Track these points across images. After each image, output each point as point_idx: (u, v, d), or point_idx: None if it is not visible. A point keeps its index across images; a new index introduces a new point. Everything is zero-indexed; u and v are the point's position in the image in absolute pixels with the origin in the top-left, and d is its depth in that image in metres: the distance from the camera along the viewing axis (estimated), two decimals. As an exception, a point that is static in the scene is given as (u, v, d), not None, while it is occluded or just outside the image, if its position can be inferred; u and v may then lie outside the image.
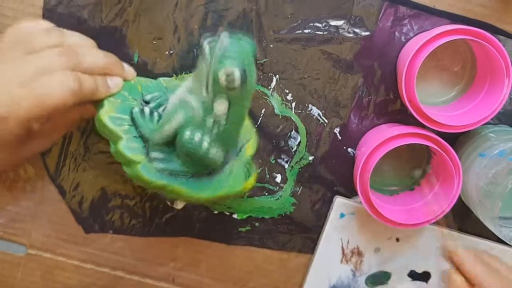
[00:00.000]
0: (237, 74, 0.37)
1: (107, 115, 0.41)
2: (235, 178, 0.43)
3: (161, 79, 0.47)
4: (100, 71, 0.41)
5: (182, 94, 0.41)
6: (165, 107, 0.43)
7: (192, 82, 0.40)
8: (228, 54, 0.37)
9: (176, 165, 0.41)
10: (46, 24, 0.42)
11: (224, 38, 0.38)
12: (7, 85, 0.37)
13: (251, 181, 0.44)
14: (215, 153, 0.40)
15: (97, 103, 0.42)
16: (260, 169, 0.50)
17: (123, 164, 0.41)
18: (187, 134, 0.40)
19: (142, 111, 0.42)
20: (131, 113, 0.42)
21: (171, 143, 0.41)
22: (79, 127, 0.50)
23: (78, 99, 0.39)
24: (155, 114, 0.43)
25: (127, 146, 0.40)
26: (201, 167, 0.42)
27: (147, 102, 0.44)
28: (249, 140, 0.46)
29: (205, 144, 0.40)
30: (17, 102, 0.37)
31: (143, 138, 0.42)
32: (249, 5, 0.48)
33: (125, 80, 0.44)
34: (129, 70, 0.45)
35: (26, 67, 0.38)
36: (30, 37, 0.40)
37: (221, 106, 0.39)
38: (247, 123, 0.47)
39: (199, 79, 0.39)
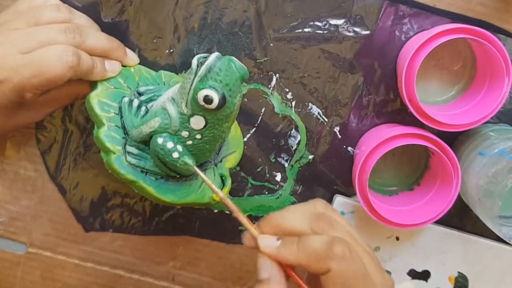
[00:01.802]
0: (215, 97, 0.36)
1: (97, 99, 0.41)
2: (206, 188, 0.43)
3: (162, 72, 0.47)
4: (100, 53, 0.42)
5: (164, 99, 0.40)
6: (152, 105, 0.43)
7: (176, 92, 0.40)
8: (212, 75, 0.37)
9: (149, 164, 0.41)
10: (57, 1, 0.43)
11: (212, 58, 0.37)
12: (9, 51, 0.38)
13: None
14: (186, 163, 0.40)
15: (92, 84, 0.42)
16: (260, 167, 0.50)
17: (101, 150, 0.41)
18: (159, 140, 0.39)
19: (130, 102, 0.42)
20: (120, 101, 0.42)
21: (147, 142, 0.41)
22: (78, 124, 0.50)
23: (75, 75, 0.40)
24: (143, 108, 0.43)
25: (107, 134, 0.41)
26: (171, 171, 0.41)
27: (140, 94, 0.44)
28: (233, 153, 0.46)
29: (176, 154, 0.39)
30: (16, 69, 0.38)
31: (124, 129, 0.42)
32: (249, 4, 0.48)
33: (124, 66, 0.44)
34: (132, 57, 0.45)
35: (30, 37, 0.39)
36: (39, 10, 0.41)
37: (196, 123, 0.39)
38: (237, 134, 0.47)
39: (182, 91, 0.38)
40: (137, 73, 0.45)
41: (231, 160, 0.46)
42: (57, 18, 0.41)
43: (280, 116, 0.49)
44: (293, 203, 0.51)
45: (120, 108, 0.42)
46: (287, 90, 0.49)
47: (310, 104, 0.49)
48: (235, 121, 0.46)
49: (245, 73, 0.38)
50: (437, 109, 0.47)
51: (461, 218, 0.50)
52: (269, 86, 0.49)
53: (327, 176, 0.50)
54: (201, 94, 0.37)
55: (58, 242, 0.52)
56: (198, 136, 0.40)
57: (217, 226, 0.51)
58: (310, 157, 0.50)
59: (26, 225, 0.51)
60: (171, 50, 0.49)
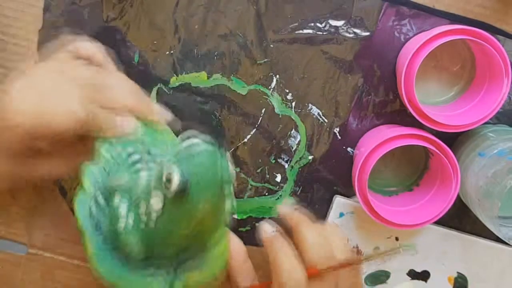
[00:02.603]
0: (175, 180, 0.32)
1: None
2: None
3: (175, 139, 0.41)
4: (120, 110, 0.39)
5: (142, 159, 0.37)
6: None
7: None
8: (189, 157, 0.33)
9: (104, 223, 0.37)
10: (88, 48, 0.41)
11: (201, 143, 0.34)
12: (29, 97, 0.36)
13: None
14: (132, 240, 0.35)
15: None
16: (260, 168, 0.50)
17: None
18: (116, 197, 0.35)
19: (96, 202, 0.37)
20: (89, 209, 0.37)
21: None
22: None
23: (83, 131, 0.37)
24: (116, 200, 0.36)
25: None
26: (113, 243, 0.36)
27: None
28: (201, 270, 0.37)
29: (123, 222, 0.35)
30: (29, 116, 0.36)
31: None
32: (249, 5, 0.48)
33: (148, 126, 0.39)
34: (162, 114, 0.41)
35: (52, 84, 0.37)
36: (69, 64, 0.40)
37: (154, 201, 0.34)
38: (221, 259, 0.39)
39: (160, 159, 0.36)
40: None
41: (194, 276, 0.37)
42: (86, 77, 0.39)
43: (280, 116, 0.49)
44: (293, 204, 0.51)
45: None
46: (287, 91, 0.49)
47: (310, 105, 0.49)
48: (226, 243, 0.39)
49: (226, 178, 0.34)
50: (436, 110, 0.47)
51: (461, 218, 0.50)
52: (269, 87, 0.49)
53: (327, 177, 0.50)
54: (167, 169, 0.33)
55: (58, 243, 0.52)
56: (153, 218, 0.34)
57: (217, 226, 0.51)
58: (310, 157, 0.50)
59: (27, 226, 0.51)
60: (172, 51, 0.49)
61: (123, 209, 0.35)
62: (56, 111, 0.36)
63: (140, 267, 0.36)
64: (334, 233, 0.39)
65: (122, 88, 0.40)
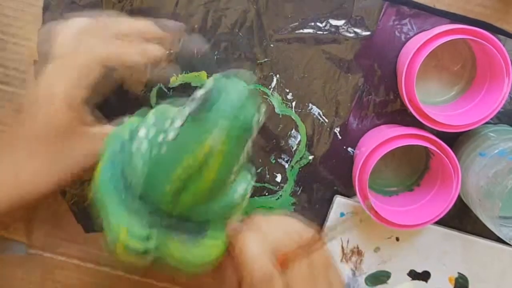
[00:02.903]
0: (205, 86, 0.34)
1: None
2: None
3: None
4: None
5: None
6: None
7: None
8: (220, 77, 0.35)
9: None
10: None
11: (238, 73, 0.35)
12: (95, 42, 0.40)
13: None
14: (139, 164, 0.35)
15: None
16: (260, 168, 0.50)
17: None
18: (142, 129, 0.36)
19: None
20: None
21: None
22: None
23: (147, 59, 0.42)
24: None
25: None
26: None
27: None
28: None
29: (138, 144, 0.35)
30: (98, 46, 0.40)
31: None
32: (249, 5, 0.48)
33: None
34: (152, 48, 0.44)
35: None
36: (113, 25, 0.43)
37: (178, 119, 0.34)
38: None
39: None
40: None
41: (173, 247, 0.36)
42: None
43: (280, 116, 0.49)
44: (293, 204, 0.51)
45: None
46: (288, 90, 0.49)
47: (310, 104, 0.49)
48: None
49: (248, 122, 0.34)
50: (437, 110, 0.47)
51: (461, 218, 0.50)
52: (270, 86, 0.49)
53: (327, 177, 0.50)
54: (208, 82, 0.35)
55: (58, 243, 0.52)
56: (168, 140, 0.34)
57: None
58: (310, 157, 0.50)
59: (26, 225, 0.51)
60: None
61: (142, 132, 0.35)
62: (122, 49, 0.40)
63: (133, 206, 0.35)
64: (289, 220, 0.39)
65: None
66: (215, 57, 0.49)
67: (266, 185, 0.51)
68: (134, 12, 0.48)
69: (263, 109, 0.36)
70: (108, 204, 0.36)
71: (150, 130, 0.36)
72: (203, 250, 0.37)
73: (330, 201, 0.50)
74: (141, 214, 0.35)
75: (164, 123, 0.35)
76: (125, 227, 0.34)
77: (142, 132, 0.36)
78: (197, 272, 0.37)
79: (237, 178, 0.37)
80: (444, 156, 0.44)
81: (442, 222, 0.49)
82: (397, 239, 0.50)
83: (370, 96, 0.49)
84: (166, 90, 0.49)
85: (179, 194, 0.35)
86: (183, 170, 0.34)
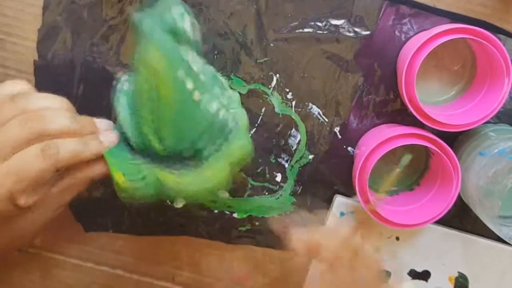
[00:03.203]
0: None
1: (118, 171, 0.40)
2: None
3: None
4: (68, 136, 0.38)
5: None
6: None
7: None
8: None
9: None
10: (11, 87, 0.39)
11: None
12: None
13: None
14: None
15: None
16: (260, 168, 0.50)
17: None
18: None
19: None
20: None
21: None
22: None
23: (62, 164, 0.37)
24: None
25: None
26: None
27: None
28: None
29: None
30: None
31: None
32: (249, 4, 0.48)
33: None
34: (107, 138, 0.40)
35: None
36: None
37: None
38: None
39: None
40: None
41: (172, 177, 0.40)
42: (13, 112, 0.37)
43: (280, 116, 0.49)
44: (293, 203, 0.51)
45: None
46: (287, 90, 0.49)
47: (310, 104, 0.49)
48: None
49: (174, 23, 0.38)
50: (437, 109, 0.47)
51: (461, 218, 0.50)
52: (270, 86, 0.49)
53: (327, 176, 0.50)
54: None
55: (57, 242, 0.52)
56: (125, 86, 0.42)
57: (217, 226, 0.51)
58: (310, 157, 0.50)
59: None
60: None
61: (119, 86, 0.42)
62: (25, 162, 0.36)
63: (129, 154, 0.41)
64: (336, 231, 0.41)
65: (62, 114, 0.38)
66: (215, 57, 0.49)
67: (266, 184, 0.51)
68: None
69: (189, 16, 0.39)
70: (108, 156, 0.40)
71: (123, 84, 0.41)
72: (200, 178, 0.40)
73: (330, 201, 0.50)
74: (136, 160, 0.40)
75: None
76: (121, 172, 0.39)
77: (119, 86, 0.41)
78: (203, 199, 0.42)
79: (203, 97, 0.39)
80: (444, 156, 0.44)
81: (442, 221, 0.49)
82: (397, 238, 0.50)
83: (370, 96, 0.49)
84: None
85: (158, 131, 0.39)
86: (145, 102, 0.39)
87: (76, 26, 0.49)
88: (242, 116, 0.43)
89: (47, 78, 0.49)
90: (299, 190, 0.51)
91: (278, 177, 0.50)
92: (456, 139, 0.48)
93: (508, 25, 0.48)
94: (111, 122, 0.42)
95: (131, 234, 0.52)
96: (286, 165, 0.50)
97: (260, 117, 0.49)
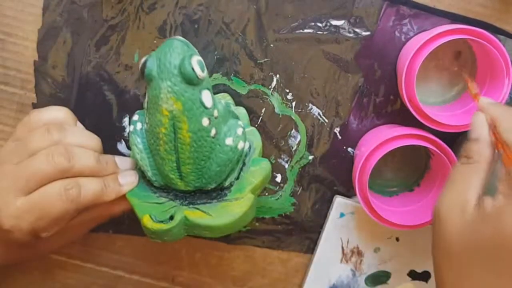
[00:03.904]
0: (142, 60, 0.38)
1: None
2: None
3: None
4: (90, 175, 0.39)
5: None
6: None
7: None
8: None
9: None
10: (55, 113, 0.41)
11: (171, 40, 0.38)
12: (8, 197, 0.37)
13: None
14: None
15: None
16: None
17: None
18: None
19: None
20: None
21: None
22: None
23: (83, 205, 0.38)
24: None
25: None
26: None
27: None
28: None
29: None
30: (19, 216, 0.37)
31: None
32: (249, 5, 0.48)
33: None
34: (128, 181, 0.42)
35: (22, 176, 0.37)
36: (29, 137, 0.39)
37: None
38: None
39: None
40: None
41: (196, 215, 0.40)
42: (45, 142, 0.38)
43: (280, 116, 0.49)
44: (293, 204, 0.51)
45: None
46: (288, 90, 0.49)
47: (310, 104, 0.49)
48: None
49: (182, 66, 0.37)
50: (437, 110, 0.47)
51: (461, 218, 0.50)
52: (270, 86, 0.49)
53: (327, 177, 0.50)
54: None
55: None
56: (139, 126, 0.41)
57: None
58: (310, 157, 0.50)
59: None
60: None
61: (131, 128, 0.42)
62: (48, 200, 0.37)
63: (154, 195, 0.42)
64: None
65: (88, 154, 0.40)
66: (215, 57, 0.49)
67: (266, 185, 0.50)
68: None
69: (197, 56, 0.38)
70: (131, 198, 0.41)
71: (136, 124, 0.41)
72: (225, 212, 0.40)
73: (330, 201, 0.50)
74: (160, 198, 0.41)
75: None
76: (148, 215, 0.39)
77: (132, 127, 0.41)
78: (231, 231, 0.40)
79: (219, 132, 0.40)
80: (444, 156, 0.44)
81: (442, 222, 0.49)
82: (397, 239, 0.50)
83: (370, 96, 0.49)
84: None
85: (178, 168, 0.40)
86: (163, 144, 0.39)
87: (76, 26, 0.49)
88: (255, 135, 0.44)
89: (47, 78, 0.49)
90: (299, 190, 0.51)
91: (278, 178, 0.50)
92: (456, 140, 0.48)
93: (508, 25, 0.48)
94: (131, 160, 0.43)
95: (131, 234, 0.52)
96: (286, 166, 0.50)
97: (260, 118, 0.49)
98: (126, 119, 0.50)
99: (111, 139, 0.50)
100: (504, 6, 0.47)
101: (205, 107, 0.38)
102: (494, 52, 0.42)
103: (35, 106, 0.50)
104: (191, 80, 0.37)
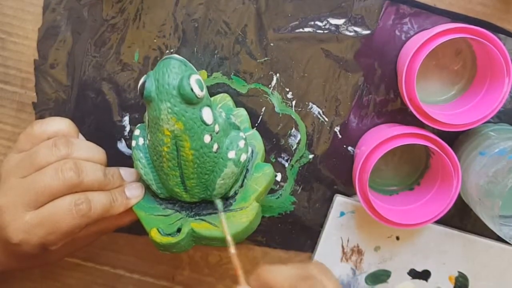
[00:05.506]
0: (141, 81, 0.38)
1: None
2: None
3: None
4: (98, 189, 0.40)
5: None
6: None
7: None
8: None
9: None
10: (57, 125, 0.41)
11: (168, 58, 0.38)
12: (17, 212, 0.37)
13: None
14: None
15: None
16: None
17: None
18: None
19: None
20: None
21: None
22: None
23: (93, 218, 0.39)
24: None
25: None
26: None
27: None
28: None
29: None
30: (29, 230, 0.37)
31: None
32: (249, 4, 0.48)
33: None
34: (133, 191, 0.42)
35: (30, 190, 0.37)
36: (36, 150, 0.39)
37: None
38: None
39: None
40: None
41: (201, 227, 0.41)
42: (53, 157, 0.38)
43: (280, 115, 0.49)
44: (293, 203, 0.51)
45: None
46: (288, 89, 0.49)
47: (310, 103, 0.49)
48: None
49: (181, 87, 0.37)
50: (437, 109, 0.47)
51: (461, 217, 0.50)
52: (270, 85, 0.49)
53: (327, 176, 0.50)
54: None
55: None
56: (141, 141, 0.41)
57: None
58: (310, 156, 0.50)
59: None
60: (171, 50, 0.49)
61: (133, 143, 0.42)
62: (57, 215, 0.37)
63: (160, 208, 0.42)
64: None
65: (96, 167, 0.40)
66: (215, 56, 0.49)
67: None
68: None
69: (195, 75, 0.38)
70: (138, 211, 0.42)
71: (138, 140, 0.41)
72: (231, 223, 0.40)
73: (330, 200, 0.50)
74: (166, 210, 0.42)
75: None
76: (156, 229, 0.40)
77: (134, 143, 0.41)
78: (239, 240, 0.40)
79: (221, 146, 0.40)
80: (444, 155, 0.44)
81: (442, 221, 0.49)
82: (397, 238, 0.50)
83: (370, 95, 0.49)
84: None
85: (183, 183, 0.40)
86: (166, 161, 0.39)
87: (76, 25, 0.49)
88: (256, 139, 0.44)
89: (47, 77, 0.49)
90: (299, 189, 0.51)
91: (278, 177, 0.50)
92: (456, 139, 0.48)
93: (508, 24, 0.48)
94: (136, 172, 0.43)
95: (132, 234, 0.52)
96: (286, 165, 0.50)
97: (260, 117, 0.49)
98: (126, 118, 0.50)
99: (111, 138, 0.50)
100: (505, 5, 0.47)
101: (206, 124, 0.38)
102: (495, 51, 0.42)
103: (35, 105, 0.50)
104: (190, 100, 0.37)
